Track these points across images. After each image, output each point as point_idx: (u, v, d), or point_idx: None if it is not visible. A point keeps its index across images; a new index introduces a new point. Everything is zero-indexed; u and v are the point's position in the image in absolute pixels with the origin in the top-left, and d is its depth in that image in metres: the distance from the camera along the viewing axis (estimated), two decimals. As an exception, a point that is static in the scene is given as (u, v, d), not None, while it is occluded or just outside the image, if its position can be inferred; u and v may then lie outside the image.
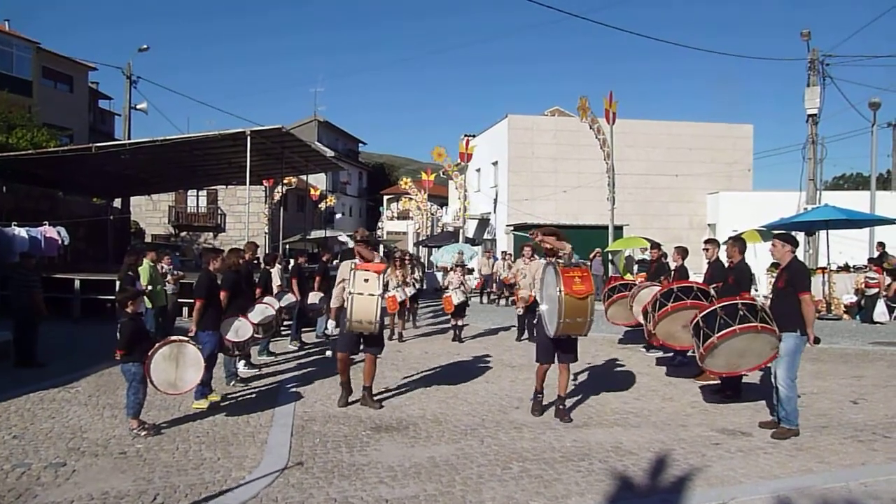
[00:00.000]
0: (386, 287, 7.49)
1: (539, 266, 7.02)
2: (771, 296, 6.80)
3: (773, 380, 6.44)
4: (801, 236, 21.83)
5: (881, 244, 18.93)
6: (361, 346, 7.12)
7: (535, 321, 7.04)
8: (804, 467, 5.34)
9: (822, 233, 17.66)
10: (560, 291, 6.04)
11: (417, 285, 13.44)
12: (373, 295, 6.61)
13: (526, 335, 12.11)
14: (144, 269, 10.50)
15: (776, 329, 6.18)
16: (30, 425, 6.32)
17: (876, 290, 15.80)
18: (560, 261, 6.50)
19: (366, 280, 6.65)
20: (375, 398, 7.24)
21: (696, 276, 10.43)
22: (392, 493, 4.73)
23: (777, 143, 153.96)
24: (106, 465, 5.24)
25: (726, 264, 8.13)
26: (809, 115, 20.89)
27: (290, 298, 10.75)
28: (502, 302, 20.75)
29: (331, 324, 8.05)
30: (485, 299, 21.61)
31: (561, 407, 6.74)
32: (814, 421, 6.67)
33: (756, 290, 18.30)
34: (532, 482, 4.95)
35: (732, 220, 24.82)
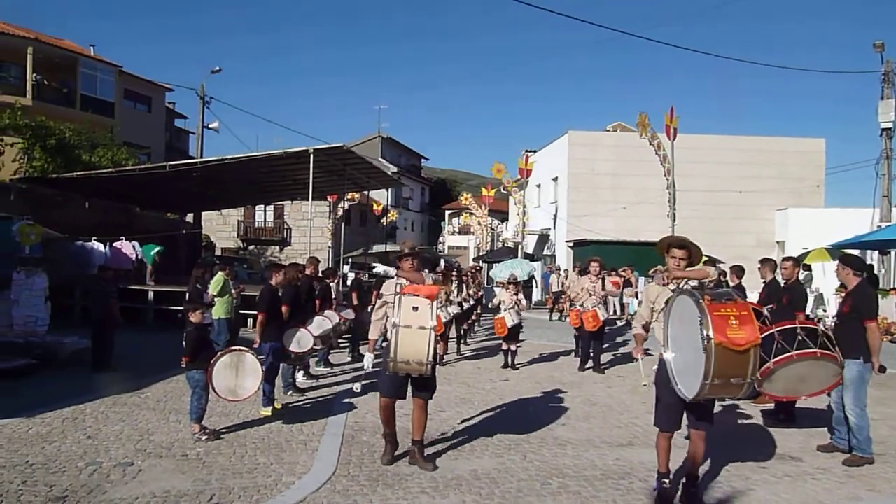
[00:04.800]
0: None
1: (661, 292, 5.22)
2: (836, 320, 6.58)
3: (832, 404, 6.33)
4: (874, 255, 20.96)
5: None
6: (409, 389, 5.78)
7: (654, 369, 5.25)
8: (852, 494, 5.24)
9: (897, 252, 16.94)
10: (708, 339, 4.21)
11: (465, 303, 12.94)
12: (424, 328, 5.31)
13: (590, 364, 11.01)
14: (218, 280, 11.18)
15: (838, 356, 5.96)
16: (102, 427, 6.80)
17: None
18: (694, 286, 4.89)
19: (415, 308, 5.37)
20: (428, 456, 5.86)
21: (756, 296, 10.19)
22: (432, 502, 4.91)
23: (850, 159, 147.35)
24: (169, 465, 5.62)
25: (782, 284, 7.99)
26: (883, 129, 20.15)
27: (348, 313, 11.10)
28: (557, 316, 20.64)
29: (369, 357, 6.02)
30: (554, 316, 21.32)
31: (693, 490, 4.96)
32: (870, 448, 6.49)
33: (824, 311, 17.65)
34: (570, 498, 5.04)
35: (802, 237, 23.97)
